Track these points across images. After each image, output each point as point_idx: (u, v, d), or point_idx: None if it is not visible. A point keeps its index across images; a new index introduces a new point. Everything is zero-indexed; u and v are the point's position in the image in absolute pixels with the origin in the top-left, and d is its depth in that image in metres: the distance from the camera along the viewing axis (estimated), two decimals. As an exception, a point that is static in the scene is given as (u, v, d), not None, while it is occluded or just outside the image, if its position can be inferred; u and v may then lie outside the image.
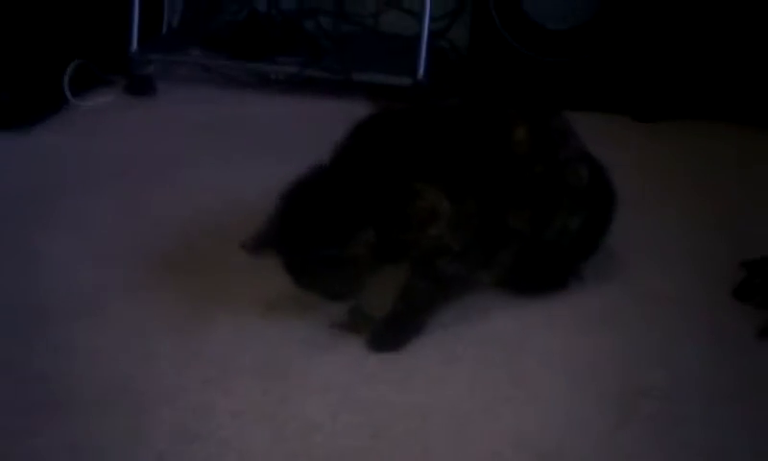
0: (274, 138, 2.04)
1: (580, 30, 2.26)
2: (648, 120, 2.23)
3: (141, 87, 2.29)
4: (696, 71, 2.22)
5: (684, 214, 1.68)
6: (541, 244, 1.32)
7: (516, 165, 1.28)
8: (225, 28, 2.62)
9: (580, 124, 1.39)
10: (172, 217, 1.61)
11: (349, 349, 1.25)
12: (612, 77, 2.26)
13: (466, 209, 1.22)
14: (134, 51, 2.30)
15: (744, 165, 1.96)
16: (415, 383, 1.18)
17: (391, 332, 1.27)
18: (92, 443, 1.06)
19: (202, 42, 2.50)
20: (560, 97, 2.06)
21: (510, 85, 2.32)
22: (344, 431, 1.09)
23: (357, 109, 2.07)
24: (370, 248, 1.19)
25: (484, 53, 2.34)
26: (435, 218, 1.20)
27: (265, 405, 1.13)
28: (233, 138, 2.05)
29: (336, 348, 1.25)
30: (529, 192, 1.28)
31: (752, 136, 2.11)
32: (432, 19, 2.25)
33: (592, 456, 1.06)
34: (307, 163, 1.25)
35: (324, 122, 2.02)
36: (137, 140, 2.02)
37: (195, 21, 2.66)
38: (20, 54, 2.06)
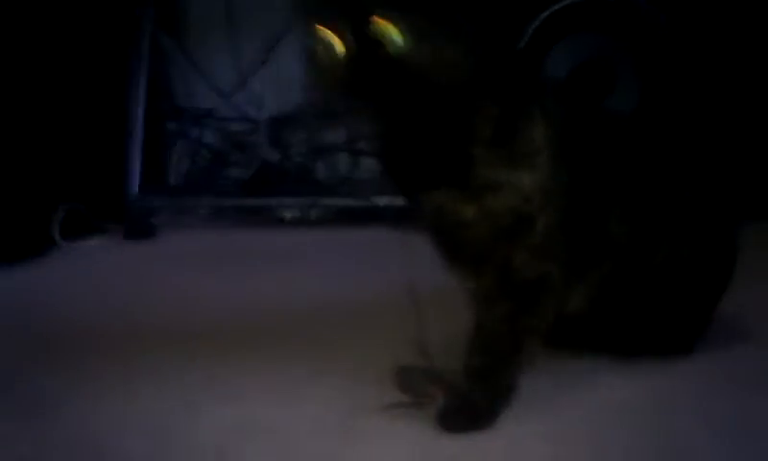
0: (284, 259, 1.77)
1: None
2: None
3: (140, 231, 2.05)
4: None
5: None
6: (644, 271, 0.99)
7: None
8: (234, 183, 2.45)
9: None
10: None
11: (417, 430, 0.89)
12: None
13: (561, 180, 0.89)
14: (134, 194, 2.09)
15: None
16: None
17: (468, 403, 0.90)
18: None
19: (210, 195, 2.31)
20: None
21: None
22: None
23: (382, 236, 1.90)
24: None
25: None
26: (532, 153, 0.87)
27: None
28: (237, 262, 1.77)
29: (394, 431, 0.88)
30: (637, 197, 0.98)
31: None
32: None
33: None
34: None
35: (342, 248, 1.80)
36: (128, 275, 1.74)
37: (201, 175, 2.49)
38: (8, 192, 1.85)
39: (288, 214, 2.17)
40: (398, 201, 1.97)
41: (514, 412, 0.91)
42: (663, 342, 1.04)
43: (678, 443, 0.83)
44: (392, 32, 0.80)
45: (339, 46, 0.81)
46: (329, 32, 0.81)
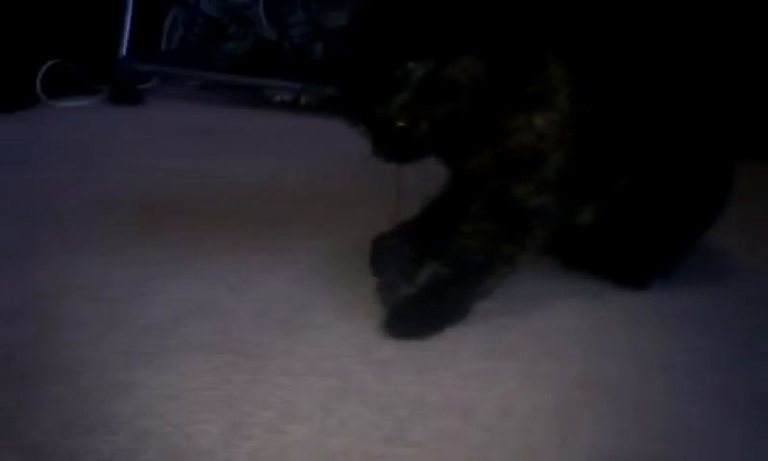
0: (268, 142, 1.75)
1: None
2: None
3: (127, 96, 2.02)
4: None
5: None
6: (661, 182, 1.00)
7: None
8: (227, 57, 2.39)
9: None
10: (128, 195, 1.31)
11: (357, 330, 0.91)
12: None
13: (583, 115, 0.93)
14: (123, 57, 2.04)
15: None
16: (446, 377, 0.83)
17: (418, 310, 0.92)
18: None
19: (201, 67, 2.25)
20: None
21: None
22: (339, 429, 0.73)
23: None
24: None
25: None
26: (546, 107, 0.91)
27: (223, 393, 0.78)
28: (221, 139, 1.76)
29: (335, 329, 0.90)
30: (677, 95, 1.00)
31: None
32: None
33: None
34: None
35: (327, 139, 1.78)
36: (106, 139, 1.73)
37: (195, 46, 2.44)
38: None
39: (278, 97, 2.14)
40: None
41: (458, 327, 0.92)
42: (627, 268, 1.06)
43: (600, 373, 0.85)
44: None
45: None
46: None
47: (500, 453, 0.71)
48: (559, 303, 1.00)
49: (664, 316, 0.99)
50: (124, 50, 2.05)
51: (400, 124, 0.88)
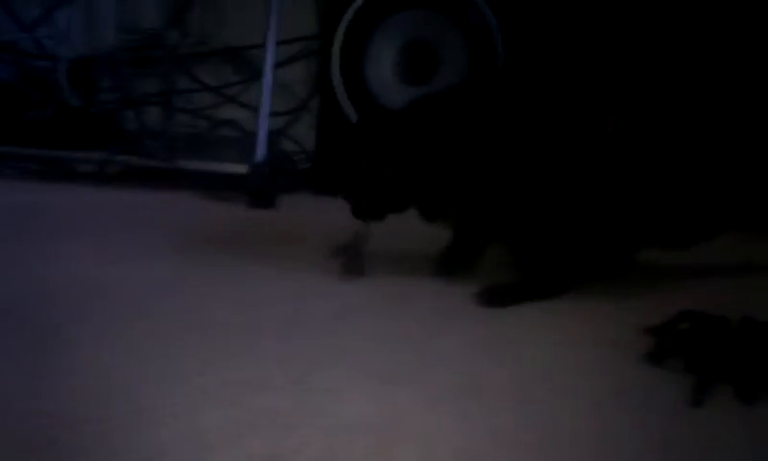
0: (73, 223, 1.61)
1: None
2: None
3: None
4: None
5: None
6: None
7: None
8: (25, 126, 2.21)
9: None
10: None
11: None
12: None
13: None
14: None
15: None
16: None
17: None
18: None
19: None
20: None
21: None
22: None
23: (182, 200, 1.78)
24: None
25: (332, 146, 2.06)
26: None
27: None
28: (18, 223, 1.59)
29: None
30: None
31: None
32: (275, 115, 2.00)
33: None
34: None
35: (140, 210, 1.66)
36: None
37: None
38: None
39: (83, 167, 2.00)
40: (203, 165, 1.89)
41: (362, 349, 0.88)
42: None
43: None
44: None
45: None
46: None
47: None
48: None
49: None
50: None
51: None
